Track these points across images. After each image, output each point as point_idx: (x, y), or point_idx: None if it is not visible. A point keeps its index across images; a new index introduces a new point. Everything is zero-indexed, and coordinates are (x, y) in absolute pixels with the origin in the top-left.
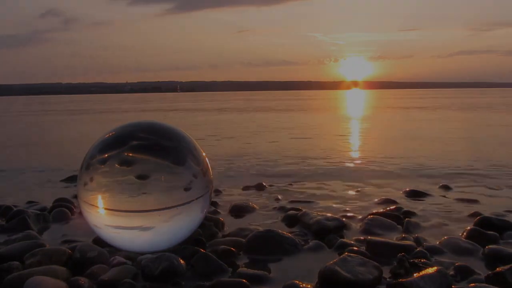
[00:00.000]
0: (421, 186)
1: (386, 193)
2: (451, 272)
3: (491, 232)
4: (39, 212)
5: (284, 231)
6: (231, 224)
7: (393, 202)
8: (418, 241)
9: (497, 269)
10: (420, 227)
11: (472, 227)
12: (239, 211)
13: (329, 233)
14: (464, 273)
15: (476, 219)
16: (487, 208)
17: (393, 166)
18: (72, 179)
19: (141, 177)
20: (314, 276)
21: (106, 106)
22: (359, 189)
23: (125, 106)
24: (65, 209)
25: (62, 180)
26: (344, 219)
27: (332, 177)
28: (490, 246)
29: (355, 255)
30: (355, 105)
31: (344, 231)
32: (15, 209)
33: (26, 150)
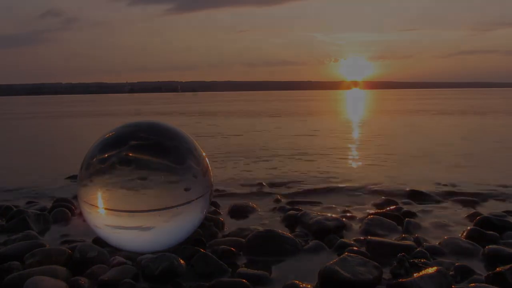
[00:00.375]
0: (421, 187)
1: (386, 193)
2: (451, 272)
3: (491, 232)
4: (39, 212)
5: (284, 231)
6: (231, 224)
7: (393, 202)
8: (418, 241)
9: (497, 269)
10: (420, 227)
11: (472, 227)
12: (239, 211)
13: (329, 233)
14: (464, 273)
15: (476, 219)
16: (487, 209)
17: (394, 166)
18: (72, 179)
19: (141, 177)
20: (314, 276)
21: (113, 107)
22: (359, 189)
23: (132, 108)
24: (65, 209)
25: (62, 180)
26: (344, 219)
27: (332, 177)
28: (490, 246)
29: (355, 255)
30: (357, 107)
31: (344, 231)
32: (15, 209)
33: (26, 151)
